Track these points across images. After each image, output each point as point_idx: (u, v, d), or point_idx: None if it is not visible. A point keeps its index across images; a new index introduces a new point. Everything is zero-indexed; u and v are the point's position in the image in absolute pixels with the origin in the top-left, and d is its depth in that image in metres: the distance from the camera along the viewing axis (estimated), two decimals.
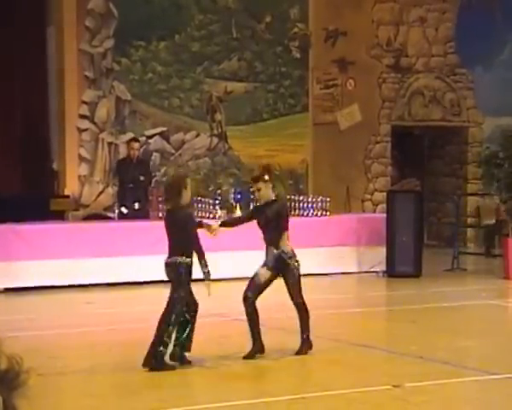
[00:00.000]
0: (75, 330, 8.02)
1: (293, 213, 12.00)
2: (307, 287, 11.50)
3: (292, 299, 6.77)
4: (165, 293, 9.61)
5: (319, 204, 11.85)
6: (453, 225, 13.63)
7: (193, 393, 5.90)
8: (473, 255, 14.24)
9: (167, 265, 6.48)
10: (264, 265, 6.74)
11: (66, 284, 10.32)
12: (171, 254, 6.45)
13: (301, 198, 12.12)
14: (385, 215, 12.01)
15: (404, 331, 8.07)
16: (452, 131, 15.81)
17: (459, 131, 15.85)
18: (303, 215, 11.80)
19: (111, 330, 7.99)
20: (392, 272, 11.63)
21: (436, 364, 6.53)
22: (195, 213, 10.90)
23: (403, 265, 11.57)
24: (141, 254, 10.66)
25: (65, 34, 12.98)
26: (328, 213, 11.87)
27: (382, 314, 9.58)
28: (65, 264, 10.36)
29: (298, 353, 6.73)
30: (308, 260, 11.61)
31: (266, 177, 6.74)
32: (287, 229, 6.82)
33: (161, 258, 10.89)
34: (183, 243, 6.36)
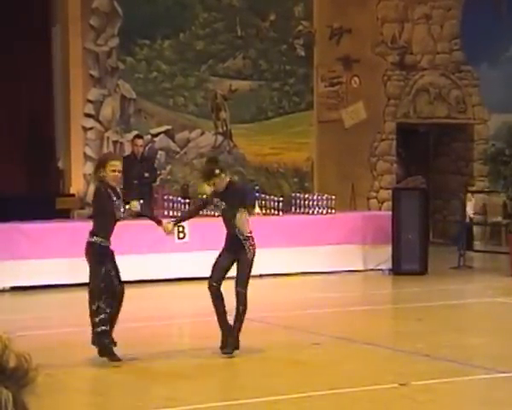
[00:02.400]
0: (81, 329, 8.01)
1: (298, 210, 12.01)
2: (313, 285, 11.49)
3: (236, 287, 6.51)
4: (169, 291, 9.62)
5: (324, 202, 11.84)
6: (459, 222, 13.60)
7: (199, 391, 5.90)
8: (479, 253, 14.21)
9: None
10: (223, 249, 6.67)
11: (72, 282, 10.33)
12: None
13: (306, 196, 12.11)
14: (390, 213, 11.98)
15: (410, 329, 8.05)
16: (458, 129, 15.76)
17: (465, 129, 15.81)
18: (308, 213, 11.79)
19: (116, 328, 7.98)
20: (397, 269, 11.60)
21: (443, 362, 6.51)
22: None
23: (408, 263, 11.55)
24: (146, 253, 10.68)
25: (70, 33, 12.99)
26: (333, 211, 11.85)
27: (388, 312, 9.56)
28: (70, 262, 10.36)
29: (225, 352, 6.51)
30: (313, 258, 11.63)
31: (217, 171, 6.63)
32: (246, 210, 6.66)
33: (167, 256, 10.89)
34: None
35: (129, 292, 9.96)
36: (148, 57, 13.55)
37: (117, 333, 7.56)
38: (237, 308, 6.54)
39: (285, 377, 6.22)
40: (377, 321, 8.61)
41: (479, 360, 6.80)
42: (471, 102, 15.68)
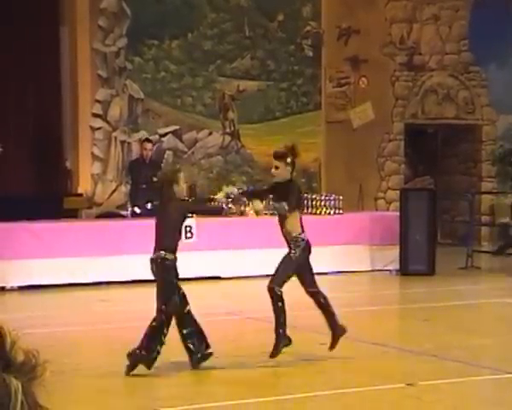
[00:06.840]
0: (89, 328, 8.04)
1: (305, 211, 12.00)
2: (320, 285, 11.47)
3: (311, 288, 6.53)
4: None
5: (332, 202, 11.83)
6: (467, 223, 13.56)
7: (205, 391, 5.90)
8: (487, 254, 14.17)
9: (152, 261, 6.38)
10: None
11: (80, 281, 10.36)
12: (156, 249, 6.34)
13: (314, 196, 12.10)
14: (398, 213, 11.97)
15: (417, 330, 8.03)
16: (466, 129, 15.73)
17: (473, 129, 15.77)
18: (316, 213, 11.78)
19: (125, 328, 8.00)
20: (405, 270, 11.58)
21: (450, 362, 6.50)
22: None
23: (416, 263, 11.53)
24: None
25: (78, 33, 13.03)
26: (341, 212, 11.85)
27: (396, 313, 9.55)
28: (78, 262, 10.40)
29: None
30: (320, 258, 11.60)
31: (289, 159, 6.33)
32: (298, 211, 6.48)
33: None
34: (170, 237, 6.27)
35: (135, 292, 9.97)
36: (156, 57, 13.58)
37: (124, 332, 7.59)
38: (325, 309, 6.57)
39: (292, 377, 6.21)
40: (384, 321, 8.60)
41: (486, 361, 6.78)
42: (479, 103, 15.64)
